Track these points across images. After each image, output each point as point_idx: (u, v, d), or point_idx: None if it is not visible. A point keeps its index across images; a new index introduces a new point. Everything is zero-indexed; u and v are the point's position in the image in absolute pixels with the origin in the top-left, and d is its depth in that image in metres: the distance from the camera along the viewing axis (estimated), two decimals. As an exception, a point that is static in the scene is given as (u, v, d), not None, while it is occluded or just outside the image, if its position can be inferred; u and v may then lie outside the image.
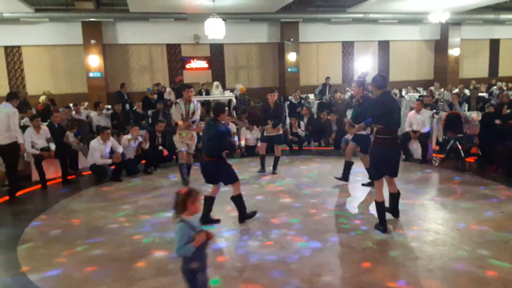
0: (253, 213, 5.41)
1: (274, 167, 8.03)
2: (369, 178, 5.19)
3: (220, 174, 5.18)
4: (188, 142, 7.18)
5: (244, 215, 5.33)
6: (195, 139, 7.32)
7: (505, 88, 15.57)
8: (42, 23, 14.97)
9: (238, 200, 5.28)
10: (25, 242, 4.96)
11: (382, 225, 4.91)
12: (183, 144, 7.13)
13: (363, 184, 6.93)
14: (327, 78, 15.72)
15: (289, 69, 17.35)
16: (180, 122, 7.03)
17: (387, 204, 5.27)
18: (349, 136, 9.73)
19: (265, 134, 8.04)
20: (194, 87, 14.21)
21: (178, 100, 7.19)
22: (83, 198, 6.86)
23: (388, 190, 5.14)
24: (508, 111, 8.35)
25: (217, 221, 5.33)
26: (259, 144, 9.95)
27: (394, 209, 5.26)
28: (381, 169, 4.95)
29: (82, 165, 8.46)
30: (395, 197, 5.19)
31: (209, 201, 5.27)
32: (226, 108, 5.36)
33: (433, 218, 5.34)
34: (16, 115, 6.81)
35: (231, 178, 5.20)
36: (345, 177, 7.04)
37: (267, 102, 8.02)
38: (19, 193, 7.04)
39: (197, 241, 2.79)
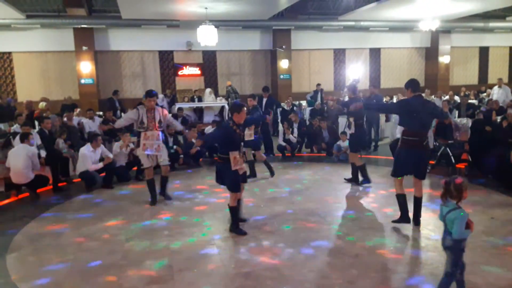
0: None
1: (270, 171, 8.15)
2: (392, 175, 5.24)
3: (226, 178, 5.14)
4: (156, 153, 6.46)
5: (233, 227, 5.24)
6: (162, 148, 6.55)
7: (494, 95, 15.73)
8: (33, 30, 14.89)
9: (231, 211, 5.23)
10: (15, 250, 4.90)
11: (403, 218, 5.09)
12: (149, 159, 6.46)
13: (345, 179, 7.59)
14: (318, 84, 15.83)
15: (282, 76, 17.43)
16: (146, 133, 6.37)
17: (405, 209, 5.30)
18: (341, 143, 9.80)
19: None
20: (187, 93, 14.31)
21: (138, 107, 6.52)
22: (73, 205, 6.79)
23: (414, 193, 5.21)
24: (498, 117, 8.45)
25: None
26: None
27: (416, 216, 5.23)
28: (403, 169, 5.10)
29: (73, 172, 8.39)
30: (418, 202, 5.21)
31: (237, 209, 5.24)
32: (244, 109, 5.24)
33: (424, 224, 5.35)
34: (36, 155, 7.22)
35: (231, 187, 5.14)
36: (366, 177, 7.29)
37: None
38: (10, 199, 7.01)
39: (472, 226, 3.30)
